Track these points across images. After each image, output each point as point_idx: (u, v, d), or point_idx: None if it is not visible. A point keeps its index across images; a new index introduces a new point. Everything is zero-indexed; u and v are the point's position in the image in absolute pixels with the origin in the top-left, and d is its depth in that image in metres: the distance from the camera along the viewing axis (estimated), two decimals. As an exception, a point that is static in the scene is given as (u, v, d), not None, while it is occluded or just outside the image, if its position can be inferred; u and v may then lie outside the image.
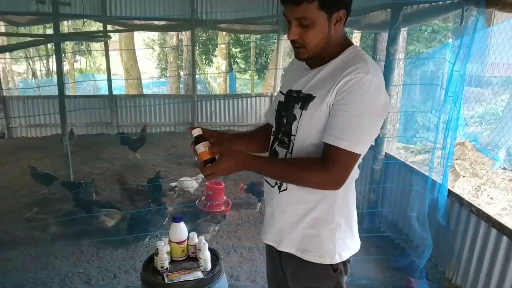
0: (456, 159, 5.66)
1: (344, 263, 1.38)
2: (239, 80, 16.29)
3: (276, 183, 1.40)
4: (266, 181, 1.46)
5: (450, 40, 8.55)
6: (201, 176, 4.69)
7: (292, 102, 1.33)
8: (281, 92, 1.44)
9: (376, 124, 1.22)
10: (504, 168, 5.71)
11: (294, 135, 1.32)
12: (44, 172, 4.93)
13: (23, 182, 5.05)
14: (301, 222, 1.35)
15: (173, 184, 4.63)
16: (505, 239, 2.35)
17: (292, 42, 1.26)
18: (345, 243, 1.36)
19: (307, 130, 1.28)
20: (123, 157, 6.45)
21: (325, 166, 1.21)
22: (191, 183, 4.62)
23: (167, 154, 6.70)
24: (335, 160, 1.19)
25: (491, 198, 4.87)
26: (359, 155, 1.22)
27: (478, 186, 5.21)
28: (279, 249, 1.42)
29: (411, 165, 3.49)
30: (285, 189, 1.37)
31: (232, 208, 4.39)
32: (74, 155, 5.44)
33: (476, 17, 2.59)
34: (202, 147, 1.33)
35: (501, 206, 4.71)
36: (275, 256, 1.51)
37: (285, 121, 1.36)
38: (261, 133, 1.60)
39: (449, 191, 2.83)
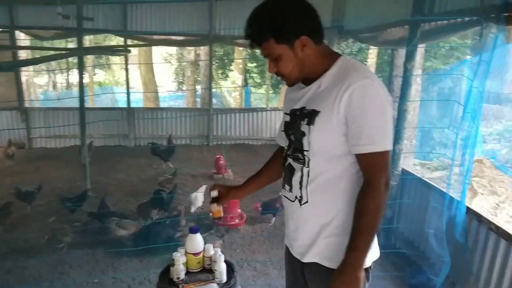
0: (474, 177, 5.57)
1: (367, 270, 1.38)
2: (254, 95, 16.42)
3: (296, 198, 1.42)
4: (286, 196, 1.49)
5: (468, 57, 8.47)
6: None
7: (297, 119, 1.38)
8: (285, 113, 1.50)
9: (390, 117, 1.28)
10: (524, 187, 5.58)
11: (307, 150, 1.35)
12: (25, 190, 4.77)
13: (41, 192, 5.14)
14: (324, 231, 1.37)
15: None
16: (526, 258, 2.29)
17: (276, 74, 1.37)
18: None
19: (319, 144, 1.32)
20: (140, 169, 6.54)
21: (372, 178, 1.26)
22: (196, 199, 4.61)
23: (182, 166, 6.76)
24: (376, 165, 1.25)
25: (511, 216, 4.76)
26: (391, 150, 1.29)
27: (496, 204, 5.10)
28: (303, 260, 1.44)
29: (428, 181, 3.45)
30: (306, 202, 1.39)
31: (246, 222, 4.39)
32: (92, 166, 5.53)
33: (495, 34, 2.58)
34: (213, 207, 1.73)
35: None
36: (296, 268, 1.52)
37: (293, 138, 1.40)
38: (275, 161, 1.67)
39: (467, 208, 2.79)
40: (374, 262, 1.43)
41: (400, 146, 3.63)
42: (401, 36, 4.21)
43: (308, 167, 1.36)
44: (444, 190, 3.16)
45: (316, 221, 1.38)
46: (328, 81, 1.31)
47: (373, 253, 1.40)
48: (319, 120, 1.29)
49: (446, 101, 6.39)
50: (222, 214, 1.75)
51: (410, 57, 3.55)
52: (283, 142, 1.53)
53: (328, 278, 1.36)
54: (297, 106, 1.39)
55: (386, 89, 1.28)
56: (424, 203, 3.35)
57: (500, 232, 2.49)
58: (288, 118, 1.45)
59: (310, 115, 1.32)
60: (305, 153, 1.35)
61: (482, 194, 5.25)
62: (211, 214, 1.72)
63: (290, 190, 1.44)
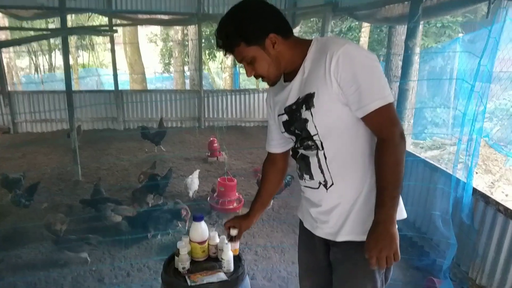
0: (468, 155, 5.57)
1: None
2: (243, 75, 16.14)
3: (320, 183, 1.40)
4: (308, 186, 1.47)
5: (461, 34, 8.42)
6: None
7: (296, 111, 1.37)
8: (279, 115, 1.47)
9: (381, 71, 1.27)
10: (518, 165, 5.62)
11: (316, 134, 1.33)
12: (11, 177, 4.47)
13: (30, 178, 4.97)
14: (355, 206, 1.36)
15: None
16: (535, 239, 2.26)
17: (255, 77, 1.38)
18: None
19: (325, 123, 1.31)
20: (131, 153, 6.38)
21: (386, 134, 1.24)
22: (193, 184, 4.50)
23: (174, 149, 6.63)
24: (384, 119, 1.24)
25: (506, 195, 4.80)
26: (393, 101, 1.27)
27: (491, 183, 5.14)
28: (337, 240, 1.40)
29: (430, 161, 3.40)
30: (332, 184, 1.38)
31: (245, 205, 4.31)
32: (81, 150, 5.35)
33: (505, 8, 2.49)
34: (232, 247, 1.71)
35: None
36: (319, 250, 1.52)
37: (298, 131, 1.39)
38: (269, 174, 1.70)
39: (474, 190, 2.75)
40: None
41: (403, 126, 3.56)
42: (400, 13, 4.10)
43: (322, 149, 1.35)
44: (447, 170, 3.12)
45: (347, 199, 1.36)
46: (310, 65, 1.32)
47: (399, 213, 1.38)
48: (317, 100, 1.29)
49: (450, 79, 6.32)
50: (237, 252, 1.79)
51: (411, 34, 3.44)
52: (279, 148, 1.61)
53: (359, 254, 1.34)
54: (290, 101, 1.38)
55: (365, 49, 1.32)
56: (427, 184, 3.31)
57: (509, 213, 2.45)
58: (285, 117, 1.43)
59: (306, 100, 1.31)
60: (314, 138, 1.34)
61: (477, 173, 5.27)
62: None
63: (311, 178, 1.42)
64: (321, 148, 1.35)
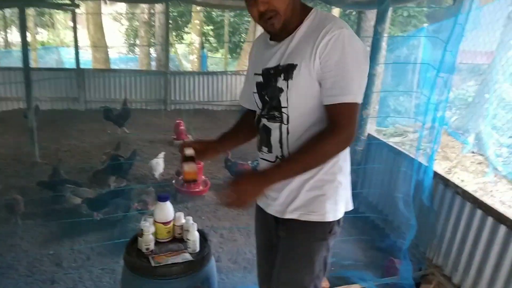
0: (428, 143, 5.77)
1: (338, 222, 1.41)
2: (211, 59, 15.92)
3: (277, 157, 1.39)
4: (264, 159, 1.44)
5: (425, 24, 8.63)
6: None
7: (272, 77, 1.32)
8: (256, 74, 1.41)
9: (364, 71, 1.25)
10: (473, 152, 5.88)
11: (285, 107, 1.30)
12: None
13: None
14: (306, 186, 1.35)
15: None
16: (490, 219, 2.36)
17: (261, 15, 1.24)
18: (344, 200, 1.40)
19: (299, 98, 1.28)
20: (93, 134, 6.15)
21: (337, 128, 1.21)
22: (158, 165, 4.40)
23: (138, 132, 6.44)
24: (344, 116, 1.21)
25: (462, 180, 5.00)
26: (360, 104, 1.25)
27: (449, 169, 5.34)
28: (284, 217, 1.40)
29: (394, 146, 3.47)
30: None
31: (211, 189, 4.26)
32: (39, 131, 5.09)
33: (471, -3, 2.53)
34: (187, 167, 1.45)
35: (471, 188, 4.84)
36: (271, 227, 1.51)
37: (270, 96, 1.35)
38: (242, 123, 1.61)
39: (434, 173, 2.83)
40: (341, 229, 1.46)
41: (368, 111, 3.61)
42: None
43: (287, 123, 1.32)
44: (410, 155, 3.20)
45: (299, 178, 1.34)
46: (302, 34, 1.27)
47: (348, 204, 1.43)
48: (297, 74, 1.25)
49: (414, 68, 6.47)
50: (197, 176, 1.49)
51: (381, 19, 3.45)
52: (251, 105, 1.51)
53: (301, 233, 1.39)
54: (271, 65, 1.33)
55: (361, 41, 1.25)
56: (389, 168, 3.39)
57: (466, 195, 2.54)
58: (260, 78, 1.38)
59: (286, 70, 1.27)
60: (283, 109, 1.31)
61: (435, 159, 5.45)
62: (181, 177, 1.51)
63: (269, 151, 1.40)
64: (285, 122, 1.32)
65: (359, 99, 1.22)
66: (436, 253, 2.82)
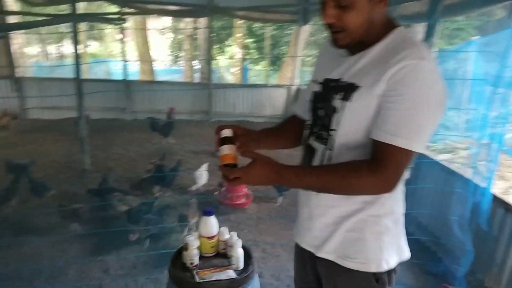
0: (481, 161, 5.46)
1: (390, 272, 1.22)
2: (251, 71, 16.04)
3: None
4: None
5: (475, 37, 8.26)
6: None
7: (330, 92, 1.18)
8: (315, 81, 1.27)
9: (434, 117, 1.06)
10: (530, 172, 5.49)
11: (334, 130, 1.16)
12: (15, 163, 4.36)
13: (39, 165, 4.93)
14: (343, 225, 1.20)
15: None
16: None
17: (329, 26, 1.11)
18: (393, 248, 1.21)
19: (350, 125, 1.13)
20: (139, 144, 6.31)
21: (376, 167, 1.06)
22: (201, 177, 4.41)
23: (182, 142, 6.55)
24: (388, 159, 1.05)
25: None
26: (415, 153, 1.07)
27: (505, 189, 5.02)
28: (318, 255, 1.28)
29: (446, 165, 3.30)
30: None
31: (253, 201, 4.23)
32: (89, 139, 5.28)
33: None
34: (227, 149, 1.23)
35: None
36: (307, 260, 1.37)
37: (322, 113, 1.21)
38: (287, 127, 1.47)
39: (493, 195, 2.65)
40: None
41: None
42: (418, 10, 4.00)
43: (331, 150, 1.18)
44: (464, 174, 3.03)
45: (334, 213, 1.21)
46: (376, 53, 1.11)
47: (401, 253, 1.25)
48: (357, 97, 1.10)
49: (464, 82, 6.18)
50: (237, 160, 1.22)
51: (429, 32, 3.34)
52: (304, 112, 1.35)
53: (342, 278, 1.23)
54: (333, 76, 1.19)
55: (443, 82, 1.05)
56: (442, 188, 3.21)
57: (531, 221, 2.36)
58: (319, 87, 1.24)
59: (347, 89, 1.12)
60: (331, 132, 1.17)
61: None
62: (219, 163, 1.22)
63: None
64: (331, 148, 1.18)
65: (415, 147, 1.04)
66: (496, 282, 2.63)
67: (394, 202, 1.20)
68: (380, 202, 1.17)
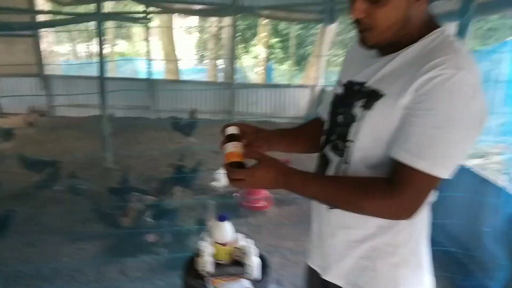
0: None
1: None
2: (276, 71, 15.95)
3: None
4: None
5: (511, 38, 7.90)
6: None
7: (352, 97, 1.04)
8: (339, 82, 1.14)
9: (467, 140, 0.90)
10: None
11: (351, 141, 1.02)
12: (35, 159, 4.54)
13: (62, 163, 4.99)
14: (355, 250, 1.07)
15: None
16: None
17: (357, 23, 0.98)
18: (413, 283, 1.07)
19: (369, 138, 0.99)
20: (161, 142, 6.32)
21: (393, 189, 0.92)
22: (221, 179, 4.35)
23: (205, 142, 6.52)
24: (407, 182, 0.91)
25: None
26: (441, 179, 0.91)
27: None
28: (324, 277, 1.16)
29: (478, 171, 3.11)
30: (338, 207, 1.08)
31: (274, 205, 4.14)
32: (113, 137, 5.32)
33: None
34: (231, 147, 1.10)
35: None
36: (315, 284, 1.23)
37: (341, 119, 1.07)
38: (308, 130, 1.32)
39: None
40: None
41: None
42: (449, 9, 3.80)
43: (347, 163, 1.04)
44: (497, 182, 2.84)
45: (345, 235, 1.08)
46: (409, 56, 0.95)
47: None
48: (380, 106, 0.96)
49: (496, 84, 5.91)
50: (240, 159, 1.08)
51: (462, 32, 3.15)
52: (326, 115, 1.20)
53: None
54: (358, 79, 1.05)
55: (484, 98, 0.88)
56: (472, 196, 3.02)
57: None
58: (341, 90, 1.11)
59: (369, 96, 0.98)
60: (347, 144, 1.03)
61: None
62: (224, 161, 1.10)
63: None
64: (346, 161, 1.04)
65: (439, 172, 0.89)
66: (533, 300, 2.44)
67: (415, 229, 1.04)
68: (396, 228, 1.02)
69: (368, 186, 0.96)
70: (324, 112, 1.24)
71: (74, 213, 3.68)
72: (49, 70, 8.34)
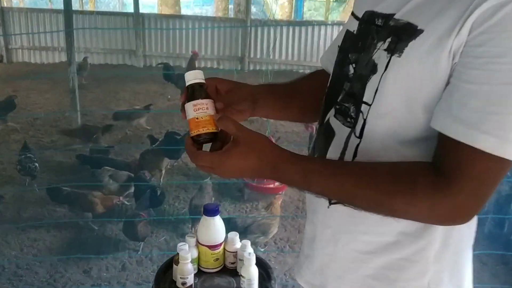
0: None
1: None
2: (308, 3, 15.62)
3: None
4: None
5: None
6: None
7: (372, 36, 0.92)
8: (352, 14, 1.03)
9: None
10: None
11: (368, 104, 0.90)
12: None
13: (17, 122, 5.00)
14: (364, 265, 0.99)
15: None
16: None
17: None
18: None
19: (398, 99, 0.86)
20: (149, 98, 6.29)
21: (445, 181, 0.80)
22: None
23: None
24: (466, 170, 0.79)
25: None
26: None
27: None
28: None
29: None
30: (338, 202, 0.97)
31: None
32: (85, 91, 5.29)
33: None
34: (195, 109, 0.94)
35: None
36: None
37: (354, 70, 0.96)
38: (307, 87, 1.22)
39: None
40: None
41: None
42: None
43: (359, 137, 0.93)
44: None
45: (353, 244, 0.99)
46: None
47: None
48: (415, 49, 0.82)
49: None
50: (211, 129, 0.94)
51: None
52: (330, 60, 1.09)
53: None
54: (382, 10, 0.92)
55: None
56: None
57: None
58: (355, 26, 0.99)
59: (399, 34, 0.86)
60: (362, 108, 0.91)
61: None
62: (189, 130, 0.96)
63: None
64: (357, 133, 0.93)
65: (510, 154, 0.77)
66: None
67: (457, 235, 0.95)
68: (429, 236, 0.92)
69: (405, 177, 0.84)
70: (328, 61, 1.12)
71: (25, 192, 3.65)
72: (7, 1, 8.33)
